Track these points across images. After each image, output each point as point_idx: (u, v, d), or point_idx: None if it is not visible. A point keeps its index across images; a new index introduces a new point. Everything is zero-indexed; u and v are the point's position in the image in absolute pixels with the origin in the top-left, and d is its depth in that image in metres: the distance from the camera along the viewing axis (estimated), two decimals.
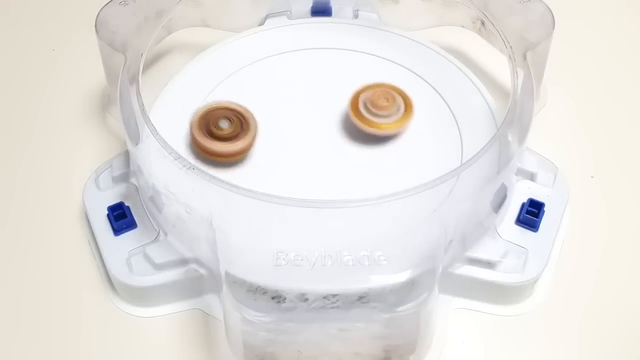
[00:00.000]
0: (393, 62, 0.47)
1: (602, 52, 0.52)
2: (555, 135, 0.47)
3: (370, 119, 0.42)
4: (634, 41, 0.53)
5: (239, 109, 0.42)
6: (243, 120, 0.42)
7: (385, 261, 0.36)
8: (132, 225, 0.41)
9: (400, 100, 0.43)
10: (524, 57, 0.42)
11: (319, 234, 0.37)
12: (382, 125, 0.42)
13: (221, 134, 0.41)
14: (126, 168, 0.43)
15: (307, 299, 0.35)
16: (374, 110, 0.42)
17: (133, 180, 0.43)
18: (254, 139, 0.42)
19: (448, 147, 0.43)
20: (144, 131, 0.40)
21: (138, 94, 0.41)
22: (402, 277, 0.36)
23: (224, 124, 0.41)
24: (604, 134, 0.48)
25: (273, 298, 0.36)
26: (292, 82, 0.47)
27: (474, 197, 0.38)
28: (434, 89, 0.46)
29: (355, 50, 0.48)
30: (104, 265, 0.41)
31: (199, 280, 0.40)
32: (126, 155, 0.43)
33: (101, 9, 0.45)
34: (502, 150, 0.40)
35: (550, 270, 0.41)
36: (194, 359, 0.39)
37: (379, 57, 0.48)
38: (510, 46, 0.43)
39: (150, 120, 0.40)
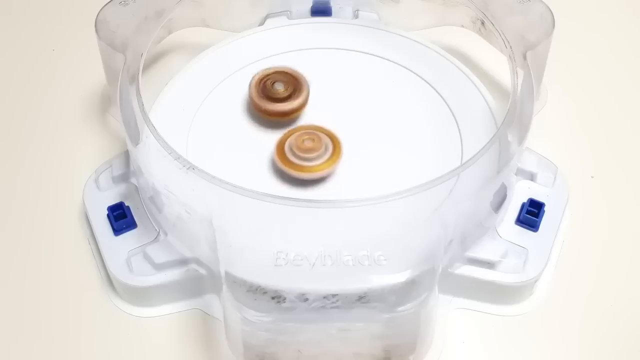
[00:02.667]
0: (393, 62, 0.47)
1: (602, 52, 0.52)
2: (555, 135, 0.47)
3: (298, 164, 0.41)
4: (634, 41, 0.53)
5: (291, 72, 0.45)
6: (296, 82, 0.44)
7: (385, 261, 0.36)
8: (132, 225, 0.41)
9: (327, 140, 0.42)
10: (524, 57, 0.42)
11: (319, 234, 0.37)
12: (312, 168, 0.41)
13: (278, 95, 0.44)
14: (126, 168, 0.43)
15: (307, 299, 0.35)
16: (300, 154, 0.41)
17: (133, 180, 0.43)
18: (307, 97, 0.44)
19: (448, 147, 0.43)
20: (144, 131, 0.40)
21: (138, 94, 0.41)
22: (402, 277, 0.36)
23: (279, 86, 0.44)
24: (604, 134, 0.48)
25: (273, 298, 0.36)
26: None
27: (474, 197, 0.38)
28: (434, 89, 0.46)
29: (355, 50, 0.48)
30: (104, 265, 0.41)
31: (199, 280, 0.40)
32: (126, 155, 0.43)
33: (101, 9, 0.45)
34: (502, 150, 0.40)
35: (550, 270, 0.41)
36: (194, 359, 0.39)
37: (379, 57, 0.48)
38: (510, 46, 0.43)
39: (150, 120, 0.40)
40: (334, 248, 0.36)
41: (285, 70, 0.45)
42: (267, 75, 0.45)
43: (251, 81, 0.45)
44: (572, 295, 0.41)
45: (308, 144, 0.42)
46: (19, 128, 0.48)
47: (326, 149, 0.42)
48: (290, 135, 0.42)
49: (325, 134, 0.42)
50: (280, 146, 0.42)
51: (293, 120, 0.44)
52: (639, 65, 0.52)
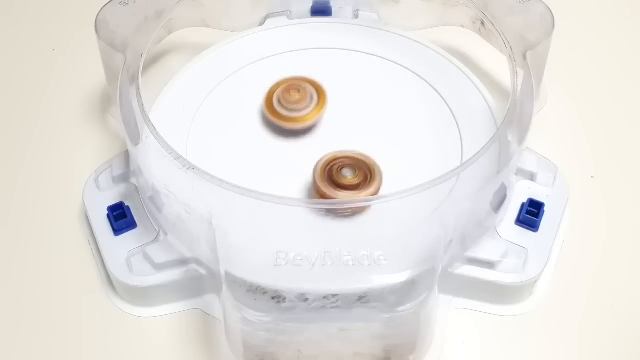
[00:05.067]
0: (393, 62, 0.47)
1: (602, 52, 0.52)
2: (555, 135, 0.47)
3: (285, 115, 0.43)
4: (633, 41, 0.53)
5: (360, 157, 0.41)
6: (367, 171, 0.40)
7: (385, 261, 0.36)
8: (132, 225, 0.41)
9: (312, 89, 0.44)
10: (524, 57, 0.42)
11: (319, 234, 0.37)
12: (299, 119, 0.43)
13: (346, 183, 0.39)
14: (126, 168, 0.43)
15: (307, 299, 0.35)
16: (287, 105, 0.43)
17: (133, 180, 0.43)
18: (379, 185, 0.40)
19: (448, 147, 0.43)
20: (144, 131, 0.40)
21: (138, 94, 0.41)
22: (402, 277, 0.36)
23: (348, 173, 0.40)
24: (604, 134, 0.48)
25: (273, 298, 0.36)
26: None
27: (474, 197, 0.38)
28: (434, 89, 0.46)
29: (355, 50, 0.48)
30: (104, 265, 0.41)
31: (199, 280, 0.40)
32: (126, 155, 0.43)
33: (101, 9, 0.45)
34: (502, 150, 0.40)
35: (550, 270, 0.41)
36: (194, 359, 0.39)
37: (379, 57, 0.48)
38: (510, 46, 0.43)
39: (150, 120, 0.40)
40: (334, 248, 0.36)
41: (354, 156, 0.40)
42: (334, 160, 0.40)
43: (316, 166, 0.40)
44: (572, 295, 0.41)
45: (294, 95, 0.43)
46: (19, 128, 0.48)
47: (311, 99, 0.43)
48: (277, 87, 0.44)
49: (310, 84, 0.44)
50: (268, 98, 0.44)
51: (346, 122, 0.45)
52: (638, 65, 0.52)
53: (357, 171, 0.40)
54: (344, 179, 0.39)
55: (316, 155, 0.41)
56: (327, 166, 0.40)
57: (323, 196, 0.39)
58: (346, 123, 0.44)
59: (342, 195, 0.39)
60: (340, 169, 0.40)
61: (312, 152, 0.42)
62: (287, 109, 0.43)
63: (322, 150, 0.43)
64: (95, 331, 0.40)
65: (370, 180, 0.40)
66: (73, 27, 0.54)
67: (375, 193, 0.39)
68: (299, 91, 0.43)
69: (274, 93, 0.44)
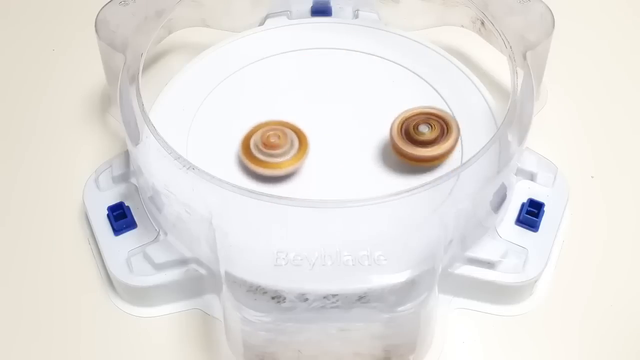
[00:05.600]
0: (393, 62, 0.47)
1: (602, 52, 0.52)
2: (555, 135, 0.47)
3: (263, 160, 0.41)
4: (634, 41, 0.53)
5: (438, 113, 0.42)
6: (444, 125, 0.41)
7: (385, 261, 0.36)
8: (132, 225, 0.41)
9: (292, 135, 0.42)
10: (524, 57, 0.42)
11: (319, 234, 0.37)
12: (278, 165, 0.41)
13: (422, 139, 0.41)
14: (126, 168, 0.43)
15: (307, 299, 0.35)
16: (265, 150, 0.41)
17: (133, 180, 0.43)
18: (456, 141, 0.41)
19: None
20: (144, 131, 0.40)
21: (138, 94, 0.41)
22: (402, 277, 0.36)
23: (424, 129, 0.41)
24: (604, 134, 0.48)
25: (273, 298, 0.36)
26: (292, 82, 0.47)
27: (474, 197, 0.38)
28: (434, 89, 0.46)
29: (355, 50, 0.48)
30: (104, 265, 0.41)
31: (199, 280, 0.40)
32: (126, 155, 0.43)
33: (101, 9, 0.45)
34: (502, 150, 0.40)
35: (550, 270, 0.41)
36: (194, 359, 0.39)
37: (379, 57, 0.48)
38: (510, 46, 0.43)
39: (150, 120, 0.40)
40: (334, 248, 0.36)
41: (429, 112, 0.42)
42: (411, 116, 0.42)
43: (393, 122, 0.42)
44: (572, 295, 0.41)
45: (274, 140, 0.41)
46: (19, 128, 0.48)
47: (292, 145, 0.41)
48: (255, 131, 0.42)
49: (291, 129, 0.42)
50: (245, 143, 0.42)
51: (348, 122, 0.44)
52: (639, 65, 0.52)
53: (433, 126, 0.41)
54: (422, 135, 0.41)
55: (318, 152, 0.41)
56: (402, 125, 0.41)
57: (405, 155, 0.41)
58: (346, 123, 0.44)
59: (422, 151, 0.41)
60: (417, 126, 0.41)
61: (313, 150, 0.42)
62: (267, 155, 0.41)
63: (321, 149, 0.43)
64: (95, 331, 0.40)
65: (447, 133, 0.41)
66: (73, 27, 0.54)
67: (454, 145, 0.41)
68: (279, 137, 0.41)
69: (250, 138, 0.42)
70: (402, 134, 0.41)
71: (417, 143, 0.41)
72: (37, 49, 0.53)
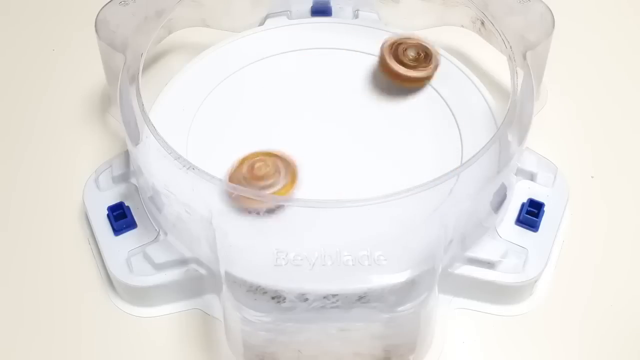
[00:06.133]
0: None
1: (602, 52, 0.52)
2: (555, 135, 0.47)
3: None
4: (634, 41, 0.53)
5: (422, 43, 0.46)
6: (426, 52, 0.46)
7: (385, 261, 0.36)
8: (132, 225, 0.41)
9: (279, 164, 0.40)
10: (524, 57, 0.42)
11: (319, 234, 0.37)
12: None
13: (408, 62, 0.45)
14: (126, 168, 0.43)
15: (307, 299, 0.35)
16: (255, 183, 0.39)
17: (133, 180, 0.43)
18: (436, 68, 0.45)
19: (448, 147, 0.43)
20: (144, 131, 0.40)
21: (138, 94, 0.41)
22: (402, 277, 0.36)
23: (412, 53, 0.45)
24: (604, 134, 0.48)
25: (273, 298, 0.36)
26: (292, 82, 0.47)
27: (474, 197, 0.38)
28: (434, 88, 0.46)
29: (355, 50, 0.48)
30: (104, 265, 0.41)
31: (199, 280, 0.40)
32: (126, 155, 0.43)
33: (101, 9, 0.45)
34: (502, 150, 0.40)
35: (550, 270, 0.41)
36: (194, 359, 0.39)
37: (379, 57, 0.48)
38: (510, 46, 0.43)
39: (150, 120, 0.40)
40: (334, 248, 0.36)
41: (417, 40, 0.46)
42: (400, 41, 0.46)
43: (384, 44, 0.46)
44: (572, 295, 0.41)
45: (262, 169, 0.39)
46: (19, 128, 0.48)
47: (280, 173, 0.40)
48: (243, 163, 0.40)
49: (278, 158, 0.40)
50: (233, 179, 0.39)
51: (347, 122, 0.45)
52: (639, 65, 0.52)
53: (419, 52, 0.45)
54: (408, 58, 0.45)
55: (318, 152, 0.41)
56: (392, 47, 0.45)
57: (390, 72, 0.45)
58: (346, 123, 0.44)
59: (406, 70, 0.45)
60: (405, 50, 0.45)
61: (313, 148, 0.42)
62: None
63: (320, 149, 0.43)
64: (95, 331, 0.40)
65: (429, 59, 0.45)
66: (73, 27, 0.54)
67: (434, 71, 0.45)
68: (267, 165, 0.40)
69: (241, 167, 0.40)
70: (391, 55, 0.45)
71: (404, 64, 0.45)
72: (37, 49, 0.53)
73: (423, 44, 0.46)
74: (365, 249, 0.36)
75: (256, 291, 0.36)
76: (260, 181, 0.39)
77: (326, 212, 0.37)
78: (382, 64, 0.46)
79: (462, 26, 0.49)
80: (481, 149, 0.38)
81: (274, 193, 0.39)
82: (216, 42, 0.49)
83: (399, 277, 0.36)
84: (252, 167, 0.39)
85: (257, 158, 0.40)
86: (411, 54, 0.45)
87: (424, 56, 0.45)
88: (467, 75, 0.46)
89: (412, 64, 0.45)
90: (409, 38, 0.46)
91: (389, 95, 0.46)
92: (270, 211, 0.38)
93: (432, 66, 0.45)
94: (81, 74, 0.50)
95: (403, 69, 0.45)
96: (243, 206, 0.38)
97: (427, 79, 0.46)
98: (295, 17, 0.50)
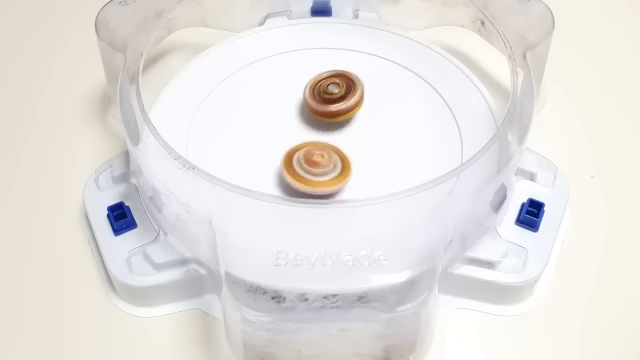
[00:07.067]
0: (393, 62, 0.47)
1: (602, 52, 0.52)
2: (555, 135, 0.47)
3: (305, 177, 0.40)
4: (634, 41, 0.53)
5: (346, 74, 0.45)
6: (351, 84, 0.44)
7: (385, 261, 0.36)
8: (132, 225, 0.41)
9: (336, 157, 0.41)
10: (524, 57, 0.42)
11: (319, 234, 0.37)
12: (319, 184, 0.40)
13: (332, 97, 0.44)
14: (126, 168, 0.43)
15: (307, 299, 0.35)
16: (308, 167, 0.40)
17: (133, 180, 0.43)
18: (361, 97, 0.44)
19: (448, 147, 0.43)
20: (144, 131, 0.40)
21: (138, 94, 0.41)
22: (402, 277, 0.36)
23: (333, 88, 0.44)
24: (604, 134, 0.48)
25: (273, 298, 0.36)
26: (292, 82, 0.47)
27: (474, 197, 0.38)
28: (434, 89, 0.46)
29: (355, 50, 0.48)
30: (104, 265, 0.41)
31: (199, 280, 0.40)
32: (126, 155, 0.43)
33: (101, 9, 0.45)
34: (502, 150, 0.40)
35: (550, 270, 0.41)
36: (194, 359, 0.39)
37: (379, 57, 0.48)
38: (510, 46, 0.43)
39: (150, 120, 0.40)
40: (334, 248, 0.36)
41: (340, 73, 0.45)
42: (322, 79, 0.44)
43: (306, 86, 0.44)
44: (572, 295, 0.41)
45: (317, 158, 0.41)
46: (18, 128, 0.48)
47: (335, 166, 0.41)
48: (300, 148, 0.41)
49: (336, 153, 0.41)
50: (288, 158, 0.41)
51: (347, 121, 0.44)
52: (639, 65, 0.52)
53: (341, 85, 0.44)
54: (332, 94, 0.44)
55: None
56: (313, 88, 0.44)
57: (316, 112, 0.44)
58: (345, 123, 0.44)
59: (333, 107, 0.43)
60: (327, 86, 0.44)
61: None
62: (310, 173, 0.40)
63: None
64: (95, 331, 0.40)
65: (353, 89, 0.44)
66: (73, 27, 0.54)
67: (360, 99, 0.44)
68: (323, 156, 0.41)
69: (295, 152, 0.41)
70: (314, 95, 0.44)
71: (328, 101, 0.43)
72: (36, 49, 0.53)
73: (344, 74, 0.44)
74: (365, 249, 0.36)
75: (256, 291, 0.36)
76: (314, 167, 0.40)
77: (326, 212, 0.37)
78: (308, 109, 0.44)
79: (462, 26, 0.49)
80: (481, 149, 0.38)
81: (322, 182, 0.40)
82: (216, 42, 0.49)
83: (399, 277, 0.36)
84: (310, 153, 0.41)
85: (317, 146, 0.41)
86: (333, 89, 0.44)
87: (348, 86, 0.44)
88: (467, 75, 0.46)
89: (336, 97, 0.43)
90: (329, 73, 0.45)
91: (389, 95, 0.46)
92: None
93: (358, 93, 0.44)
94: (81, 74, 0.50)
95: (332, 106, 0.43)
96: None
97: (357, 106, 0.44)
98: (295, 17, 0.50)
